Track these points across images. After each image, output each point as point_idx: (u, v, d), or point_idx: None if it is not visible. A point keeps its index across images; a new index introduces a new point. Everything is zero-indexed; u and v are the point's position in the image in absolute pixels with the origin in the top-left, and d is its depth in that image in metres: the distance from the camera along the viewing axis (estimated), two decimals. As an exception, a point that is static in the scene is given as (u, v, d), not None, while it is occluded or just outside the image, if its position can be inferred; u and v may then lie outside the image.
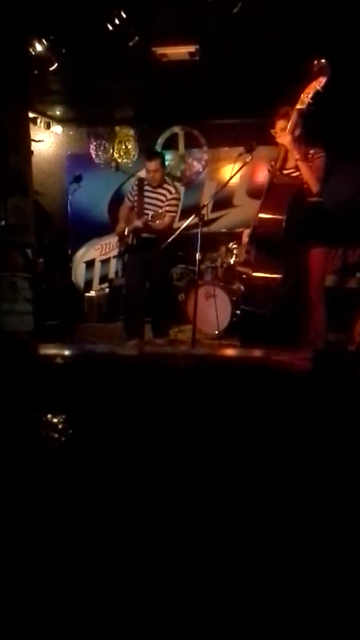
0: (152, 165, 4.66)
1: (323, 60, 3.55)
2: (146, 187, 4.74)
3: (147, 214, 4.54)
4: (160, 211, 4.51)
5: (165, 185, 4.74)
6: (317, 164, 3.70)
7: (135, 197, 4.77)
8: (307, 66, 3.54)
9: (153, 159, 4.70)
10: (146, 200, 4.70)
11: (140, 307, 4.85)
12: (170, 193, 4.69)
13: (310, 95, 3.55)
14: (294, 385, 1.05)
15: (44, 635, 0.57)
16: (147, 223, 4.51)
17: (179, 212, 4.84)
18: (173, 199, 4.69)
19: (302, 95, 3.57)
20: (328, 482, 0.75)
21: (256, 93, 5.17)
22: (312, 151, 3.73)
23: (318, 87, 3.53)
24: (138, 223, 4.57)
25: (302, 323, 4.06)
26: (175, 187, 4.78)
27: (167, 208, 4.62)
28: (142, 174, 5.25)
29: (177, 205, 4.76)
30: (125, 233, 4.70)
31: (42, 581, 0.61)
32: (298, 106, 3.59)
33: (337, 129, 5.10)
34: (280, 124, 3.77)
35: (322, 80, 3.52)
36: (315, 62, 3.56)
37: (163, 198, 4.67)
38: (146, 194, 4.73)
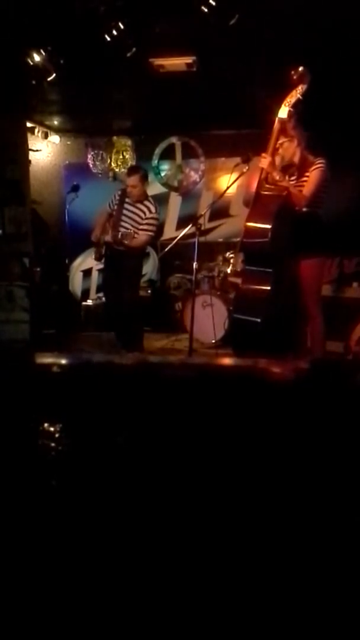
0: (132, 180, 4.68)
1: (302, 68, 3.56)
2: (127, 200, 4.75)
3: (120, 231, 4.57)
4: (130, 231, 4.55)
5: (146, 203, 4.74)
6: (314, 175, 3.68)
7: (115, 207, 4.78)
8: (287, 74, 3.56)
9: (133, 174, 4.73)
10: (124, 213, 4.71)
11: (124, 318, 4.83)
12: (150, 212, 4.69)
13: (291, 104, 3.56)
14: (290, 394, 1.05)
15: (43, 636, 0.56)
16: (116, 240, 4.53)
17: (155, 230, 4.84)
18: (151, 218, 4.69)
19: (282, 104, 3.58)
20: (326, 488, 0.75)
21: (253, 104, 5.20)
22: (311, 158, 3.72)
23: (299, 95, 3.55)
24: (109, 238, 4.60)
25: (299, 332, 4.05)
26: (155, 206, 4.77)
27: (144, 227, 4.63)
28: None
29: (154, 225, 4.75)
30: (101, 242, 4.74)
31: (42, 588, 0.61)
32: (279, 115, 3.59)
33: (333, 136, 5.12)
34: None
35: (303, 87, 3.53)
36: (295, 69, 3.58)
37: (142, 215, 4.67)
38: (126, 206, 4.74)
